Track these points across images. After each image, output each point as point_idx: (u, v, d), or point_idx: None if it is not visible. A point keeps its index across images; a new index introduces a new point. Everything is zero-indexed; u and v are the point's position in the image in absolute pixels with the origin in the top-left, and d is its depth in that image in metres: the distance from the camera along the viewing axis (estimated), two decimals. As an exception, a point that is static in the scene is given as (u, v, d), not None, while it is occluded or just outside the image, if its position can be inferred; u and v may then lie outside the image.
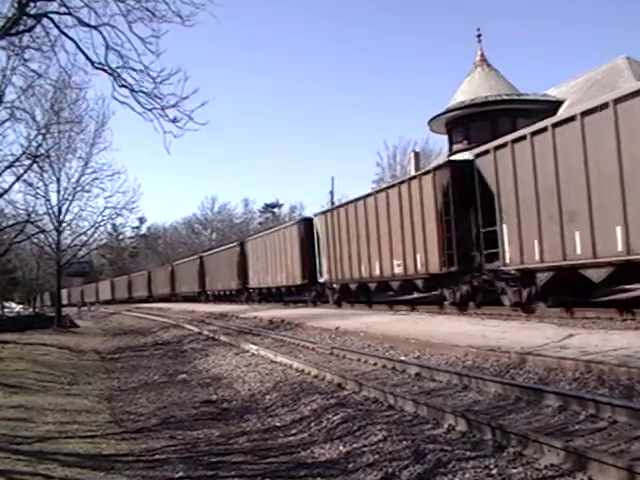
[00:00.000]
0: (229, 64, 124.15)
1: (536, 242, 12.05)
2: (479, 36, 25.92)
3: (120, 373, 13.39)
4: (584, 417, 5.61)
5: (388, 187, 18.48)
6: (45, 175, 27.33)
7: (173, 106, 9.90)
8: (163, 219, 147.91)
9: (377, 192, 18.97)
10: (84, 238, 31.45)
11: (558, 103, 21.84)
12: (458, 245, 14.53)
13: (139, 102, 10.14)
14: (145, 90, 10.05)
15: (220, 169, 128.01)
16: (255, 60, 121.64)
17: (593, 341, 8.45)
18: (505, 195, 12.92)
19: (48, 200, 28.16)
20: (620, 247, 10.06)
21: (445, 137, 26.68)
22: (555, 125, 11.52)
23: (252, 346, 14.02)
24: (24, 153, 22.12)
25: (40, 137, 23.18)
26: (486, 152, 13.54)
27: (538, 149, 11.86)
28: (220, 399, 9.24)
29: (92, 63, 10.28)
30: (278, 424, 7.30)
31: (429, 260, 15.43)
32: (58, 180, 28.32)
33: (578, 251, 10.98)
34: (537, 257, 12.05)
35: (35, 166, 24.19)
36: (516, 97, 23.06)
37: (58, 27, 10.27)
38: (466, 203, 14.28)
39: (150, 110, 10.05)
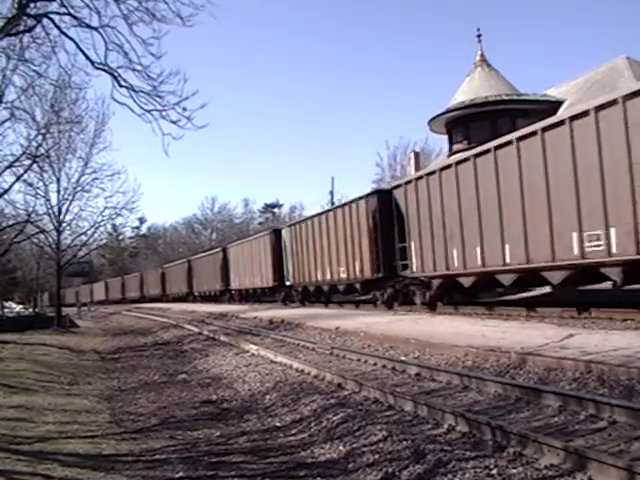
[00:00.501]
0: (229, 64, 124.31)
1: (431, 256, 15.93)
2: (479, 36, 25.97)
3: (120, 373, 13.39)
4: (584, 417, 5.61)
5: (335, 208, 22.82)
6: (45, 175, 27.35)
7: (173, 107, 9.91)
8: (163, 219, 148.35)
9: (327, 212, 23.29)
10: (84, 238, 31.49)
11: (558, 103, 21.85)
12: (384, 256, 18.38)
13: (138, 103, 10.14)
14: (145, 90, 10.06)
15: (220, 169, 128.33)
16: (255, 60, 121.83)
17: (593, 341, 8.45)
18: (411, 219, 16.91)
19: (48, 200, 28.18)
20: (479, 262, 14.10)
21: (445, 137, 26.71)
22: (442, 169, 15.66)
23: (252, 346, 14.02)
24: (24, 153, 22.15)
25: (40, 137, 23.22)
26: (399, 186, 17.86)
27: (432, 186, 15.84)
28: (220, 399, 9.24)
29: (92, 63, 10.29)
30: (278, 424, 7.30)
31: (364, 268, 19.21)
32: (58, 180, 28.34)
33: (455, 264, 14.93)
34: (432, 268, 15.96)
35: (35, 166, 24.22)
36: (516, 97, 23.09)
37: (58, 27, 10.28)
38: (389, 224, 18.18)
39: (149, 111, 10.05)
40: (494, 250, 13.42)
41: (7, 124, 20.48)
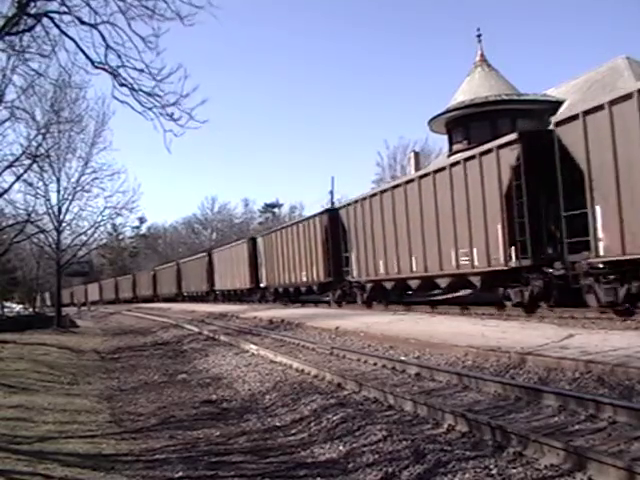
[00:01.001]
0: (229, 64, 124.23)
1: (364, 264, 19.57)
2: (479, 36, 25.96)
3: (120, 373, 13.39)
4: (584, 417, 5.61)
5: (297, 222, 26.63)
6: (45, 175, 27.32)
7: (173, 104, 9.89)
8: (163, 219, 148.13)
9: (292, 225, 27.13)
10: (84, 238, 31.44)
11: (558, 103, 21.84)
12: (333, 264, 22.08)
13: (139, 101, 10.13)
14: (145, 89, 10.04)
15: (220, 169, 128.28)
16: (255, 60, 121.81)
17: (593, 341, 8.45)
18: (352, 234, 20.49)
19: (48, 200, 28.16)
20: (396, 270, 18.02)
21: (445, 137, 26.69)
22: (371, 196, 19.30)
23: (252, 346, 14.02)
24: (24, 153, 22.14)
25: (40, 137, 23.19)
26: (343, 207, 21.98)
27: (365, 208, 19.54)
28: (220, 399, 9.24)
29: (92, 62, 10.27)
30: (278, 424, 7.30)
31: (319, 273, 22.95)
32: (58, 180, 28.31)
33: (381, 271, 18.49)
34: (365, 274, 19.62)
35: (35, 166, 24.20)
36: (516, 97, 23.08)
37: (58, 26, 10.26)
38: (337, 237, 21.86)
39: (150, 109, 10.04)
40: (406, 261, 16.83)
41: (7, 124, 20.49)
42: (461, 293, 18.30)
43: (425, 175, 16.33)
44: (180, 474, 5.42)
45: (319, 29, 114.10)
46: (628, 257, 10.10)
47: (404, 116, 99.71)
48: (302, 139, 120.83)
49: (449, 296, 17.30)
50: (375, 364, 9.86)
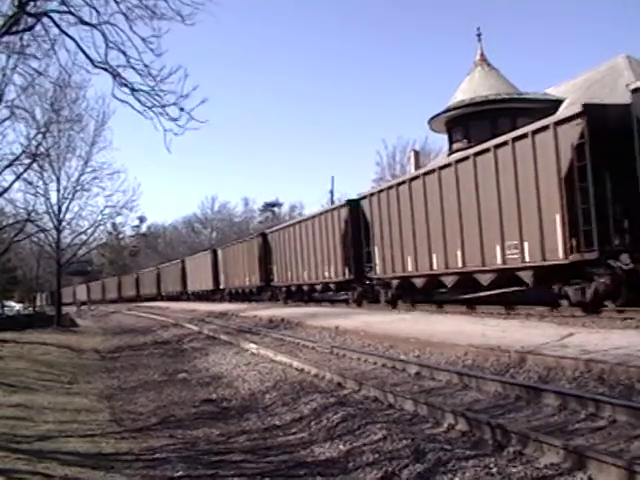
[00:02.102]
0: (228, 63, 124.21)
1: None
2: (479, 35, 25.90)
3: (120, 372, 13.39)
4: (584, 416, 5.61)
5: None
6: (45, 174, 27.41)
7: (174, 104, 9.88)
8: (163, 218, 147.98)
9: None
10: (84, 237, 31.56)
11: (558, 102, 21.81)
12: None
13: (139, 100, 10.13)
14: (145, 89, 10.04)
15: (220, 168, 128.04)
16: (254, 59, 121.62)
17: (593, 340, 8.44)
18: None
19: (48, 199, 28.23)
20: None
21: (445, 136, 26.67)
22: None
23: (252, 345, 14.02)
24: (24, 152, 22.19)
25: (40, 136, 23.26)
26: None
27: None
28: (220, 398, 9.25)
29: (92, 62, 10.26)
30: (278, 423, 7.30)
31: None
32: (58, 179, 28.37)
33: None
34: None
35: (35, 165, 24.29)
36: (516, 96, 23.04)
37: (58, 26, 10.25)
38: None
39: (150, 108, 10.03)
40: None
41: (7, 123, 20.57)
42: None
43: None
44: (180, 473, 5.41)
45: (319, 28, 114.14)
46: None
47: (403, 115, 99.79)
48: (302, 138, 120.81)
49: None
50: (375, 363, 9.85)
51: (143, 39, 9.75)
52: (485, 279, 13.89)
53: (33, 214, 27.15)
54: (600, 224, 10.74)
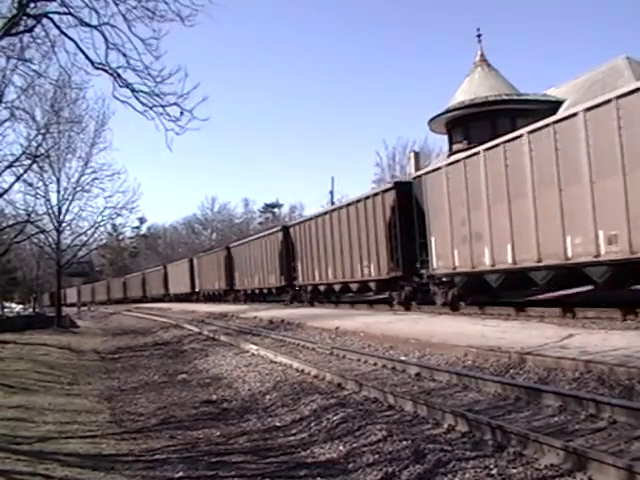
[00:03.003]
0: (228, 63, 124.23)
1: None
2: (479, 36, 25.94)
3: (120, 373, 13.39)
4: (584, 417, 5.61)
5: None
6: (45, 175, 27.41)
7: (174, 104, 9.90)
8: (163, 219, 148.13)
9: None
10: (84, 238, 31.52)
11: (558, 103, 21.84)
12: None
13: (140, 101, 10.14)
14: (146, 90, 10.05)
15: (220, 169, 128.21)
16: (254, 59, 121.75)
17: (593, 341, 8.45)
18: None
19: (48, 200, 28.21)
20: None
21: (445, 137, 26.70)
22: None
23: (252, 346, 14.02)
24: (24, 153, 22.16)
25: (40, 137, 23.23)
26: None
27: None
28: (220, 399, 9.24)
29: (92, 63, 10.28)
30: (278, 424, 7.30)
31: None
32: (58, 180, 28.37)
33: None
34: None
35: (35, 166, 24.26)
36: (516, 97, 23.07)
37: (58, 27, 10.27)
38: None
39: (151, 108, 10.05)
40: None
41: (7, 124, 20.53)
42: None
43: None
44: (180, 474, 5.42)
45: (319, 28, 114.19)
46: None
47: (403, 116, 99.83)
48: (302, 139, 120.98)
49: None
50: (375, 364, 9.86)
51: (143, 40, 9.77)
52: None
53: (33, 215, 27.14)
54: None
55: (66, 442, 6.72)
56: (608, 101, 10.43)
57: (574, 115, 11.17)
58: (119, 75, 10.07)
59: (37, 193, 27.50)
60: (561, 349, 8.08)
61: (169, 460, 5.89)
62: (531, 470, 4.53)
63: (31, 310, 42.16)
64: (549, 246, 11.70)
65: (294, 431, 6.86)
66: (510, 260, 12.80)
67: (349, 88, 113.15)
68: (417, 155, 34.02)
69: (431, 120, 25.33)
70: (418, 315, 15.82)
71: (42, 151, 23.80)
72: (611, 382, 6.45)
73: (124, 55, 9.86)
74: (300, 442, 6.35)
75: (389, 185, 18.82)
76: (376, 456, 5.35)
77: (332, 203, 39.33)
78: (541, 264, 12.00)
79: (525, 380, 7.29)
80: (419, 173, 17.74)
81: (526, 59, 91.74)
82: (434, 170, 16.09)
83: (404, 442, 5.45)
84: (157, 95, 10.00)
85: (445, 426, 5.92)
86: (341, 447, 5.87)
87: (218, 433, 7.07)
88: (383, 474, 4.95)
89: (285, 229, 27.76)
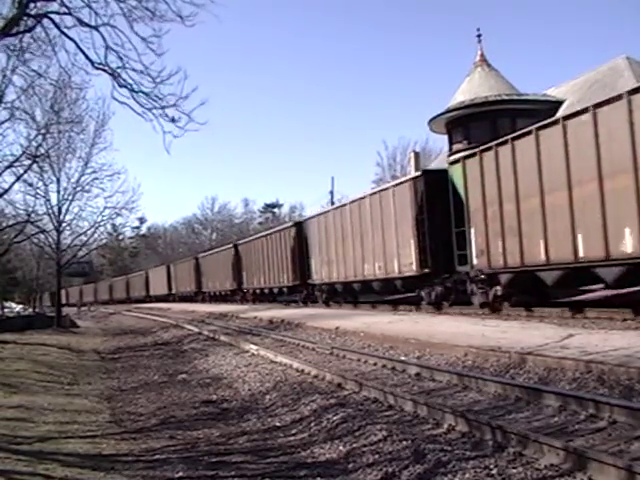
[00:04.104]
0: (228, 64, 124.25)
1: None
2: (479, 36, 25.94)
3: (120, 373, 13.39)
4: (584, 417, 5.61)
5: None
6: (45, 175, 27.39)
7: (173, 106, 9.89)
8: (163, 219, 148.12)
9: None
10: (84, 238, 31.52)
11: (558, 103, 21.85)
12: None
13: (139, 102, 10.13)
14: (145, 90, 10.05)
15: (220, 169, 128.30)
16: (254, 60, 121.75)
17: (593, 341, 8.45)
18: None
19: (48, 200, 28.21)
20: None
21: (445, 137, 26.70)
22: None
23: (252, 346, 14.02)
24: (24, 153, 22.16)
25: (40, 137, 23.21)
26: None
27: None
28: (220, 399, 9.24)
29: (92, 63, 10.28)
30: (278, 424, 7.30)
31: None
32: (58, 180, 28.35)
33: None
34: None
35: (35, 166, 24.26)
36: (516, 97, 23.07)
37: (58, 27, 10.27)
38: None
39: (150, 110, 10.05)
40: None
41: (7, 124, 20.51)
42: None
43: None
44: (180, 474, 5.41)
45: (319, 29, 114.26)
46: None
47: (404, 116, 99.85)
48: (302, 139, 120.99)
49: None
50: (375, 364, 9.85)
51: (143, 39, 9.77)
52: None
53: (33, 215, 27.13)
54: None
55: (66, 442, 6.71)
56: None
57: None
58: (119, 75, 10.07)
59: (37, 193, 27.52)
60: (561, 349, 8.08)
61: (169, 460, 5.89)
62: (531, 470, 4.52)
63: (31, 310, 42.14)
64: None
65: (294, 431, 6.86)
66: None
67: (349, 88, 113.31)
68: (417, 155, 34.00)
69: (431, 120, 25.33)
70: (418, 315, 15.82)
71: (42, 151, 23.82)
72: (611, 382, 6.45)
73: (121, 58, 9.87)
74: (300, 442, 6.35)
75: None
76: (376, 456, 5.34)
77: (332, 203, 39.27)
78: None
79: (525, 380, 7.29)
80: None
81: (526, 59, 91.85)
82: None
83: (404, 442, 5.44)
84: (156, 96, 10.01)
85: (445, 426, 5.92)
86: (341, 447, 5.87)
87: (218, 433, 7.07)
88: (383, 474, 4.94)
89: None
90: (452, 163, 15.82)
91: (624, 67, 20.45)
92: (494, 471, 4.56)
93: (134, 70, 10.01)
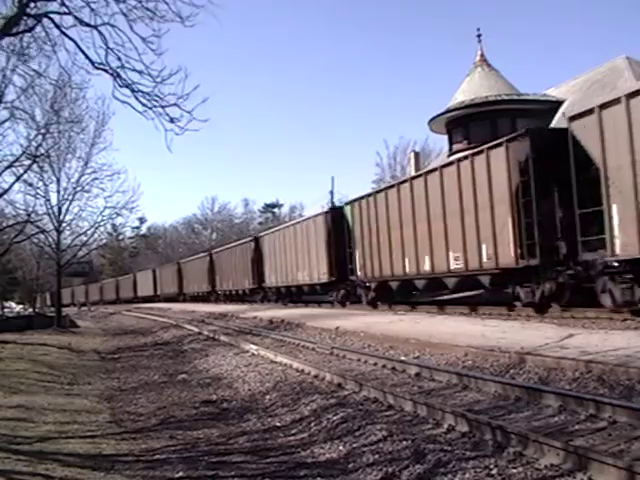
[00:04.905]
0: (229, 64, 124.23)
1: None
2: (479, 36, 25.95)
3: (120, 373, 13.39)
4: (584, 417, 5.61)
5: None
6: (45, 175, 27.35)
7: (174, 105, 9.87)
8: (163, 219, 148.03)
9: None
10: (84, 238, 31.46)
11: (558, 103, 21.84)
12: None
13: (140, 101, 10.11)
14: (145, 90, 10.03)
15: (220, 169, 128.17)
16: (255, 60, 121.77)
17: (593, 341, 8.45)
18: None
19: (48, 200, 28.17)
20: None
21: (445, 137, 26.70)
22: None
23: (252, 346, 14.02)
24: (24, 153, 22.13)
25: (40, 137, 23.18)
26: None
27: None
28: (220, 399, 9.24)
29: (92, 63, 10.24)
30: (278, 424, 7.30)
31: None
32: (58, 180, 28.32)
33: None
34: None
35: (35, 166, 24.22)
36: (516, 97, 23.07)
37: (58, 27, 10.24)
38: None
39: (151, 109, 10.02)
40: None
41: (7, 124, 20.50)
42: None
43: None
44: (180, 474, 5.42)
45: (319, 29, 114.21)
46: None
47: (404, 116, 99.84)
48: (302, 139, 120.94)
49: None
50: (375, 364, 9.85)
51: (143, 39, 9.73)
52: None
53: (33, 215, 27.09)
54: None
55: (66, 442, 6.71)
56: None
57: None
58: (119, 75, 10.05)
59: (37, 193, 27.47)
60: (561, 349, 8.09)
61: (169, 460, 5.89)
62: (531, 470, 4.53)
63: (31, 310, 42.13)
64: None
65: (294, 431, 6.86)
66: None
67: (349, 88, 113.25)
68: (417, 155, 34.01)
69: (431, 120, 25.33)
70: (418, 315, 15.82)
71: (42, 151, 23.77)
72: (611, 382, 6.45)
73: (121, 57, 9.84)
74: (300, 442, 6.35)
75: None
76: (376, 456, 5.34)
77: (332, 203, 39.20)
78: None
79: (525, 380, 7.29)
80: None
81: (526, 59, 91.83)
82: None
83: (404, 442, 5.44)
84: (157, 95, 9.98)
85: (445, 426, 5.92)
86: (341, 447, 5.87)
87: (218, 433, 7.07)
88: (383, 474, 4.94)
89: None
90: (346, 204, 21.87)
91: (624, 67, 20.44)
92: (494, 471, 4.56)
93: (134, 70, 9.97)
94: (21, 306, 48.26)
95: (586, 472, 4.26)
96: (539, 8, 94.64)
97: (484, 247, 13.79)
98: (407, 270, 17.08)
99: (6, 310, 39.66)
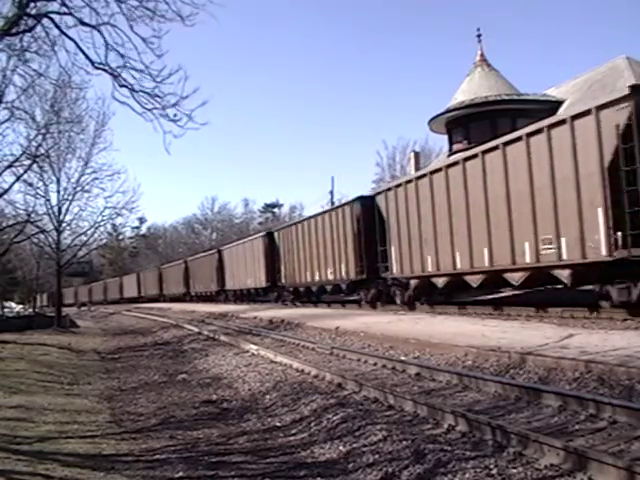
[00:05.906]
0: (229, 64, 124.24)
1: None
2: (479, 36, 25.94)
3: (120, 373, 13.39)
4: (584, 417, 5.61)
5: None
6: (45, 175, 27.36)
7: (173, 105, 9.87)
8: (163, 219, 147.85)
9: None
10: (84, 238, 31.48)
11: (558, 103, 21.83)
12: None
13: (139, 102, 10.11)
14: (145, 90, 10.03)
15: (220, 169, 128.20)
16: (255, 60, 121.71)
17: (593, 341, 8.45)
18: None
19: (48, 200, 28.19)
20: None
21: (445, 137, 26.69)
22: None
23: (252, 346, 14.02)
24: (24, 153, 22.13)
25: (40, 137, 23.19)
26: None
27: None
28: (220, 399, 9.24)
29: (92, 63, 10.26)
30: (278, 424, 7.30)
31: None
32: (58, 180, 28.35)
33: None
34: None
35: (35, 166, 24.22)
36: (516, 97, 23.06)
37: (58, 27, 10.24)
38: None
39: (150, 110, 10.03)
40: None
41: (7, 124, 20.47)
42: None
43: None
44: (180, 474, 5.42)
45: (319, 29, 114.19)
46: None
47: (404, 116, 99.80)
48: (302, 139, 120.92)
49: None
50: (375, 364, 9.85)
51: (143, 39, 9.74)
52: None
53: (33, 215, 27.10)
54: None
55: (66, 442, 6.72)
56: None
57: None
58: (119, 75, 10.05)
59: (37, 193, 27.48)
60: (561, 349, 8.08)
61: (169, 460, 5.89)
62: (531, 470, 4.53)
63: (31, 310, 42.11)
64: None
65: (294, 431, 6.86)
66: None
67: (349, 88, 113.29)
68: (417, 155, 33.98)
69: (431, 120, 25.32)
70: (418, 315, 15.82)
71: (42, 151, 23.78)
72: (611, 382, 6.45)
73: (122, 57, 9.85)
74: (300, 442, 6.35)
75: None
76: (376, 456, 5.34)
77: (332, 203, 39.16)
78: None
79: (525, 380, 7.29)
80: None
81: (526, 59, 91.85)
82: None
83: (404, 442, 5.44)
84: (157, 96, 9.99)
85: (445, 426, 5.92)
86: (341, 447, 5.87)
87: (218, 433, 7.07)
88: (383, 474, 4.95)
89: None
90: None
91: (624, 67, 20.43)
92: (494, 471, 4.56)
93: (134, 69, 9.99)
94: (21, 306, 48.21)
95: (586, 472, 4.26)
96: (539, 8, 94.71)
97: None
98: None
99: (6, 310, 39.61)
